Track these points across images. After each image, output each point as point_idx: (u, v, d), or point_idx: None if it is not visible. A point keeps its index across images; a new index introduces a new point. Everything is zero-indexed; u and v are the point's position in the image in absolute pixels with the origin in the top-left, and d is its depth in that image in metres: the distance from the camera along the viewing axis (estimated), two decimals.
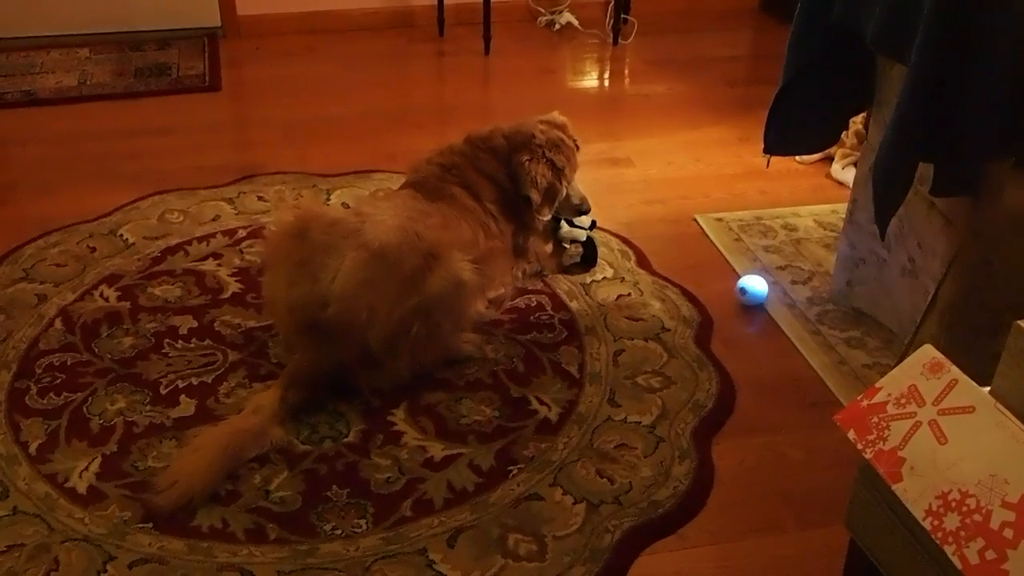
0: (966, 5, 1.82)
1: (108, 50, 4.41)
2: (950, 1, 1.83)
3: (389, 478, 2.07)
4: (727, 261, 2.87)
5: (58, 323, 2.53)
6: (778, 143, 2.47)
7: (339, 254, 2.23)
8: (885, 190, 2.06)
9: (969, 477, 1.29)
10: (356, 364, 2.24)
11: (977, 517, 1.25)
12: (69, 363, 2.38)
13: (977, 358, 1.81)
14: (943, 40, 1.86)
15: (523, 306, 2.64)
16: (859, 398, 1.49)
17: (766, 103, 2.41)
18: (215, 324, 2.53)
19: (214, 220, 3.02)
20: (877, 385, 1.48)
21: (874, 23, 2.06)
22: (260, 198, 3.16)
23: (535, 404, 2.28)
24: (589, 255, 2.81)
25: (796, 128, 2.44)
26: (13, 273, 2.74)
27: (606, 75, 4.46)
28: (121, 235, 2.94)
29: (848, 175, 3.20)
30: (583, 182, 2.83)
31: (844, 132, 3.16)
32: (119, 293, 2.66)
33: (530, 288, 2.71)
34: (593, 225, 2.91)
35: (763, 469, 2.13)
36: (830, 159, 3.41)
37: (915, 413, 1.40)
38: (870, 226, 2.35)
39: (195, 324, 2.53)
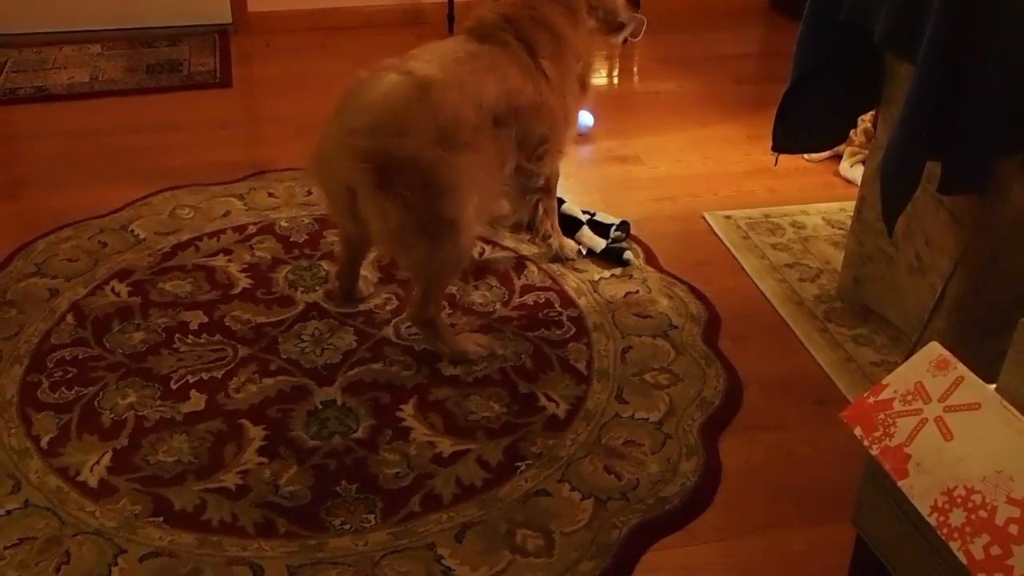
0: (974, 3, 1.82)
1: (120, 46, 4.43)
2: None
3: (398, 473, 2.08)
4: (735, 259, 2.87)
5: (69, 318, 2.55)
6: (787, 141, 2.47)
7: (379, 80, 2.27)
8: (893, 188, 2.07)
9: (975, 473, 1.29)
10: (361, 181, 2.19)
11: (983, 513, 1.26)
12: (80, 357, 2.40)
13: (984, 355, 1.82)
14: (951, 38, 1.86)
15: (531, 303, 2.65)
16: (866, 395, 1.49)
17: (775, 101, 2.41)
18: (225, 319, 2.55)
19: (224, 216, 3.04)
20: (884, 382, 1.48)
21: (882, 22, 2.06)
22: (270, 194, 3.17)
23: (543, 400, 2.29)
24: (611, 261, 2.82)
25: (805, 126, 2.44)
26: (25, 268, 2.76)
27: (615, 72, 4.46)
28: (132, 230, 2.95)
29: (856, 173, 3.20)
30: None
31: (852, 130, 3.16)
32: (130, 288, 2.67)
33: (537, 285, 2.72)
34: (626, 228, 2.92)
35: (770, 466, 2.14)
36: (838, 157, 3.40)
37: (921, 410, 1.40)
38: (878, 224, 2.35)
39: (205, 319, 2.54)
